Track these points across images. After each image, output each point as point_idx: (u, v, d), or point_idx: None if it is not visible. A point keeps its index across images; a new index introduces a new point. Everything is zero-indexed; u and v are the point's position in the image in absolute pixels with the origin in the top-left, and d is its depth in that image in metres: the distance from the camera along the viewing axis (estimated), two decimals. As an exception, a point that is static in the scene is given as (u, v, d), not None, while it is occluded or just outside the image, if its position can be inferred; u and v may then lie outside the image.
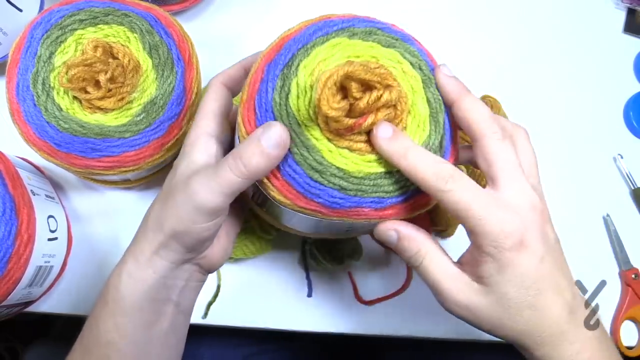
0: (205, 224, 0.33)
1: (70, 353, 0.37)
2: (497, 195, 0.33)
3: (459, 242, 0.52)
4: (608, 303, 0.51)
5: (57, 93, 0.42)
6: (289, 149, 0.32)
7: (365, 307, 0.51)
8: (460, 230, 0.52)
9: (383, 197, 0.33)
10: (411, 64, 0.35)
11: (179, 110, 0.44)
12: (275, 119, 0.33)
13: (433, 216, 0.50)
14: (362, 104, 0.30)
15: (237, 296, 0.51)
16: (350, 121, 0.31)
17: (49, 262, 0.46)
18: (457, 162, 0.36)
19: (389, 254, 0.52)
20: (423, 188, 0.33)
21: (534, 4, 0.60)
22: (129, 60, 0.42)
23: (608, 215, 0.55)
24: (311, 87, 0.33)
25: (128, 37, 0.44)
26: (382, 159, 0.33)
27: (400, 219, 0.35)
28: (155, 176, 0.50)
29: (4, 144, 0.49)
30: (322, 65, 0.34)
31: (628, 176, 0.56)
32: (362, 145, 0.33)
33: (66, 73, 0.41)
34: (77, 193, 0.52)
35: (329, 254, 0.47)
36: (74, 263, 0.50)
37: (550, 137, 0.56)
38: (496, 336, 0.35)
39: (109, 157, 0.43)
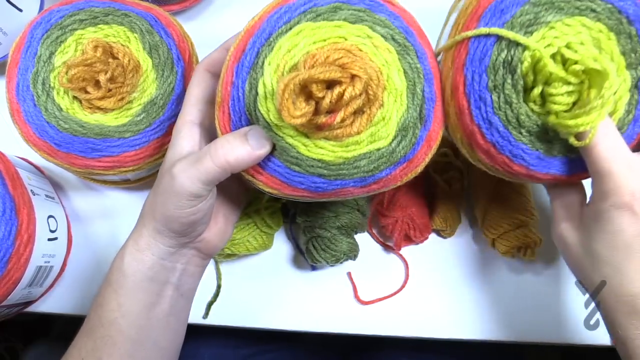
0: (188, 209, 0.35)
1: (76, 337, 0.38)
2: (636, 157, 0.34)
3: (458, 242, 0.52)
4: (608, 303, 0.51)
5: (57, 93, 0.42)
6: None
7: (365, 307, 0.51)
8: (459, 231, 0.52)
9: (364, 177, 0.33)
10: (382, 36, 0.34)
11: (179, 110, 0.44)
12: (249, 122, 0.34)
13: (433, 216, 0.50)
14: (324, 104, 0.30)
15: (237, 296, 0.51)
16: (321, 119, 0.31)
17: (49, 262, 0.46)
18: (442, 128, 0.36)
19: (388, 253, 0.52)
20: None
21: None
22: (129, 60, 0.42)
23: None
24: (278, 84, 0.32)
25: (128, 37, 0.44)
26: (360, 141, 0.33)
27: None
28: (155, 176, 0.50)
29: (4, 144, 0.49)
30: (287, 58, 0.33)
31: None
32: (339, 132, 0.32)
33: (66, 73, 0.41)
34: (77, 193, 0.52)
35: (325, 251, 0.47)
36: (74, 263, 0.50)
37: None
38: (576, 277, 0.38)
39: (109, 157, 0.43)
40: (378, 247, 0.52)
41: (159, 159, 0.44)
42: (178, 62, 0.44)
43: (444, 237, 0.52)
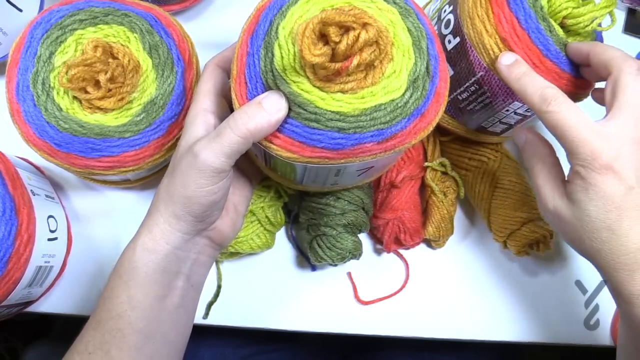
0: (210, 187, 0.35)
1: (83, 330, 0.38)
2: (601, 123, 0.36)
3: (457, 243, 0.52)
4: (608, 303, 0.51)
5: (57, 93, 0.42)
6: None
7: (365, 307, 0.51)
8: (458, 232, 0.52)
9: (382, 129, 0.34)
10: (385, 0, 0.36)
11: (179, 110, 0.44)
12: (265, 88, 0.35)
13: (427, 224, 0.50)
14: (342, 46, 0.31)
15: (237, 296, 0.51)
16: (337, 65, 0.32)
17: (48, 262, 0.46)
18: (447, 84, 0.37)
19: (389, 253, 0.52)
20: (532, 108, 0.37)
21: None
22: (129, 60, 0.42)
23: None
24: (293, 44, 0.34)
25: (128, 37, 0.44)
26: (375, 92, 0.34)
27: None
28: (155, 176, 0.50)
29: (4, 144, 0.49)
30: (299, 22, 0.35)
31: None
32: (354, 84, 0.34)
33: (66, 73, 0.41)
34: (77, 193, 0.52)
35: (330, 250, 0.47)
36: (74, 263, 0.50)
37: (549, 137, 0.56)
38: (576, 250, 0.38)
39: (109, 157, 0.43)
40: (378, 247, 0.52)
41: (159, 159, 0.44)
42: (178, 62, 0.44)
43: (435, 248, 0.52)
